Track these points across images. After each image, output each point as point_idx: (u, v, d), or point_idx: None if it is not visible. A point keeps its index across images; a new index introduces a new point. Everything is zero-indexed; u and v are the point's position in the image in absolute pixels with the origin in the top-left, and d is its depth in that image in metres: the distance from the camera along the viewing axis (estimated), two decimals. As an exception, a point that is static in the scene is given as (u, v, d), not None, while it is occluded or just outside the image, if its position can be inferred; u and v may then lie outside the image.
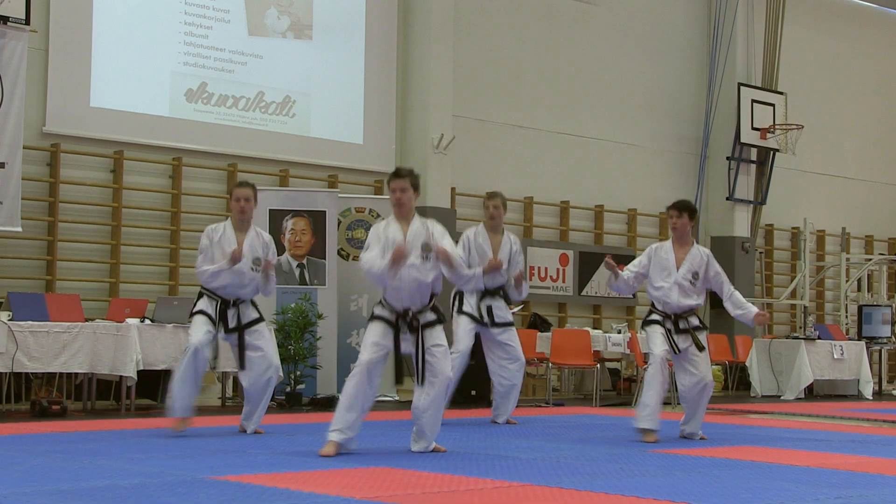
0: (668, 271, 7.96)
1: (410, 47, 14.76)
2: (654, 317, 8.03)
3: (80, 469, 5.83)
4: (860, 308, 16.82)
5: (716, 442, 7.97)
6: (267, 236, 8.12)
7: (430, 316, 6.76)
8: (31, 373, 9.85)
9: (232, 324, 7.78)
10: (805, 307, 17.76)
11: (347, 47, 14.43)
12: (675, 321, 7.95)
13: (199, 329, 7.73)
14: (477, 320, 9.21)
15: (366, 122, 14.44)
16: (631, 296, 14.60)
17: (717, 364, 15.82)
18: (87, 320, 10.13)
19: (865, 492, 5.44)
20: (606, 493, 5.19)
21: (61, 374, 10.19)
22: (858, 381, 15.28)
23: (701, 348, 7.93)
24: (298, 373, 11.22)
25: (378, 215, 12.35)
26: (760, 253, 18.66)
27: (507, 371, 9.34)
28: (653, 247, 8.18)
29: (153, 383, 10.58)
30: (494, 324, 9.25)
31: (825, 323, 18.18)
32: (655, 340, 7.96)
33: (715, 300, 17.64)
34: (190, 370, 7.65)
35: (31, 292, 11.06)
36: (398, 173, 6.85)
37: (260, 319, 7.94)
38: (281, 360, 10.85)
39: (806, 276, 17.97)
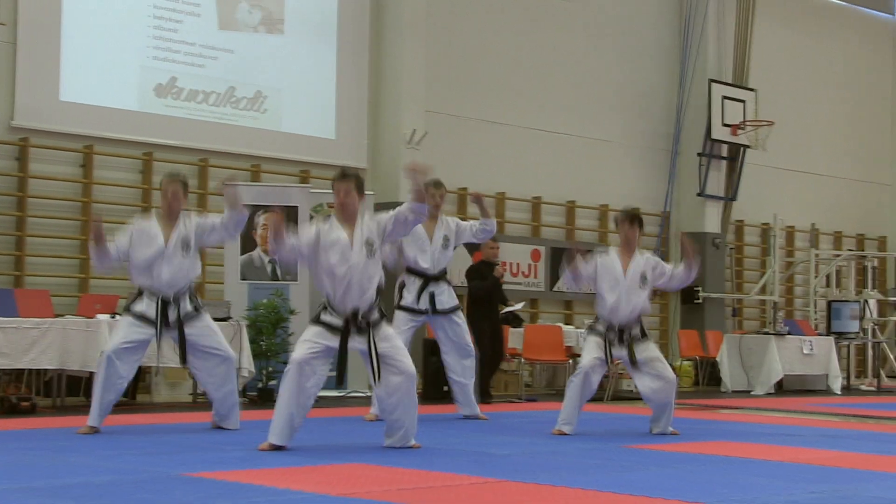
0: (617, 279, 8.00)
1: (383, 42, 14.72)
2: (598, 327, 8.09)
3: (53, 466, 5.78)
4: (829, 303, 16.94)
5: (688, 437, 8.00)
6: (196, 218, 7.82)
7: (377, 314, 6.73)
8: (0, 369, 9.75)
9: (172, 317, 7.54)
10: (775, 303, 17.88)
11: (319, 42, 14.37)
12: (620, 332, 8.00)
13: (116, 336, 7.56)
14: (418, 311, 9.14)
15: (338, 118, 14.39)
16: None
17: (687, 360, 15.91)
18: (56, 316, 10.03)
19: (839, 486, 5.48)
20: (583, 489, 5.19)
21: (30, 370, 10.09)
22: (827, 376, 15.39)
23: (634, 363, 7.97)
24: (270, 368, 11.17)
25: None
26: (731, 249, 18.75)
27: (457, 366, 9.25)
28: (597, 259, 8.15)
29: (124, 379, 10.48)
30: (436, 311, 9.16)
31: (794, 318, 18.30)
32: (588, 349, 8.09)
33: (685, 296, 17.91)
34: (103, 379, 7.46)
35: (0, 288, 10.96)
36: (343, 175, 6.78)
37: (197, 311, 7.66)
38: (253, 355, 10.84)
39: (776, 272, 18.07)
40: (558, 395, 13.46)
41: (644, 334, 8.10)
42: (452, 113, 15.49)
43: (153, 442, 7.11)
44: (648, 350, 8.07)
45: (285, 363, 11.03)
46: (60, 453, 6.33)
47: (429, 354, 11.99)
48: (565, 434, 7.96)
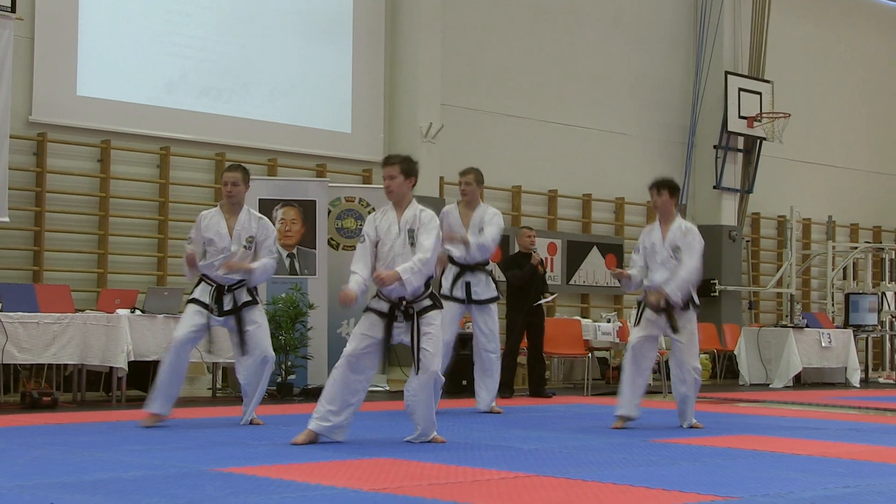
0: (655, 249, 7.95)
1: (398, 35, 14.67)
2: (639, 297, 8.11)
3: (81, 462, 5.76)
4: (847, 296, 16.86)
5: (713, 431, 7.96)
6: (263, 219, 7.99)
7: (426, 302, 6.69)
8: (21, 364, 9.75)
9: (227, 307, 7.70)
10: (792, 295, 17.80)
11: (335, 35, 14.31)
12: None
13: (184, 324, 7.68)
14: (455, 299, 9.14)
15: (354, 111, 14.34)
16: (618, 284, 14.59)
17: (705, 353, 15.84)
18: (76, 311, 10.03)
19: (872, 481, 5.43)
20: (615, 484, 5.16)
21: (51, 365, 10.09)
22: (846, 368, 15.33)
23: (675, 330, 7.88)
24: (289, 363, 11.16)
25: (368, 204, 12.29)
26: (747, 241, 18.68)
27: (482, 356, 9.32)
28: (643, 232, 8.15)
29: (144, 374, 10.48)
30: (471, 301, 9.21)
31: (811, 311, 18.23)
32: (635, 328, 8.05)
33: (701, 289, 17.79)
34: (171, 368, 7.59)
35: (20, 283, 10.95)
36: (387, 160, 6.83)
37: (253, 302, 7.83)
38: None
39: (792, 265, 17.99)
40: (576, 388, 13.44)
41: (689, 305, 7.91)
42: (468, 106, 15.44)
43: (179, 437, 7.08)
44: (685, 331, 7.92)
45: (304, 357, 11.21)
46: (87, 448, 6.32)
47: (457, 347, 11.93)
48: (621, 427, 7.87)
